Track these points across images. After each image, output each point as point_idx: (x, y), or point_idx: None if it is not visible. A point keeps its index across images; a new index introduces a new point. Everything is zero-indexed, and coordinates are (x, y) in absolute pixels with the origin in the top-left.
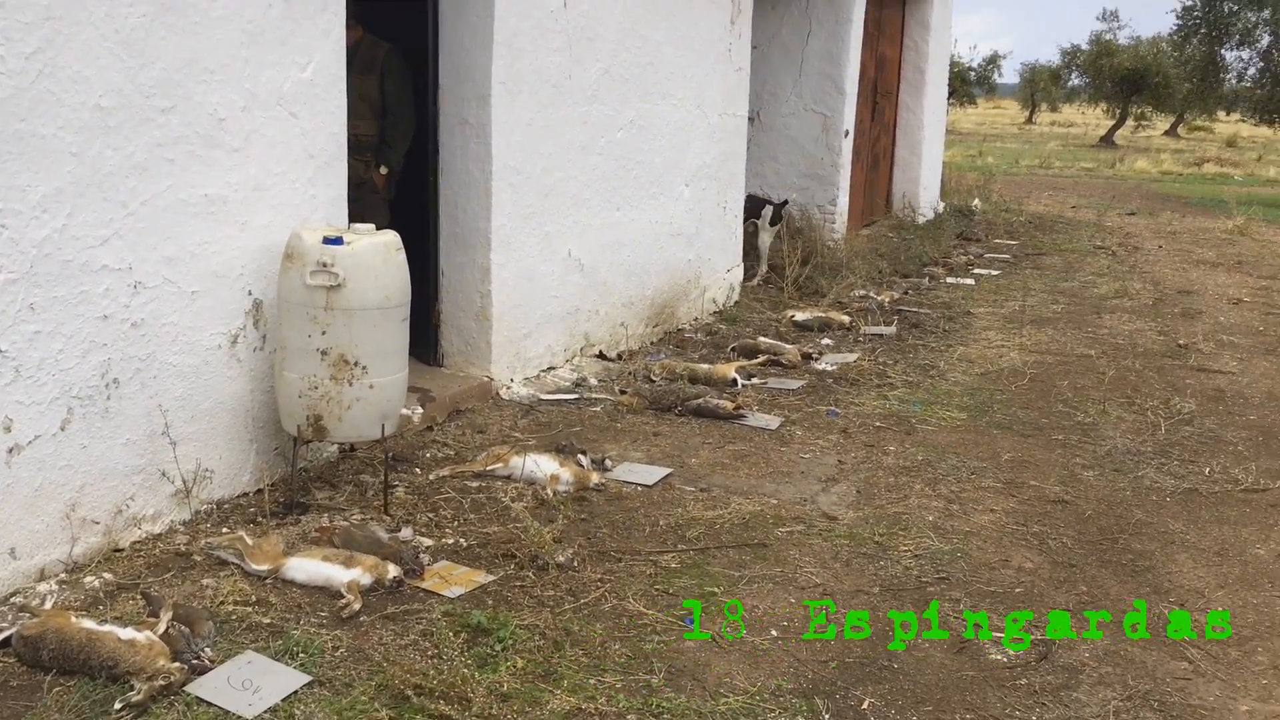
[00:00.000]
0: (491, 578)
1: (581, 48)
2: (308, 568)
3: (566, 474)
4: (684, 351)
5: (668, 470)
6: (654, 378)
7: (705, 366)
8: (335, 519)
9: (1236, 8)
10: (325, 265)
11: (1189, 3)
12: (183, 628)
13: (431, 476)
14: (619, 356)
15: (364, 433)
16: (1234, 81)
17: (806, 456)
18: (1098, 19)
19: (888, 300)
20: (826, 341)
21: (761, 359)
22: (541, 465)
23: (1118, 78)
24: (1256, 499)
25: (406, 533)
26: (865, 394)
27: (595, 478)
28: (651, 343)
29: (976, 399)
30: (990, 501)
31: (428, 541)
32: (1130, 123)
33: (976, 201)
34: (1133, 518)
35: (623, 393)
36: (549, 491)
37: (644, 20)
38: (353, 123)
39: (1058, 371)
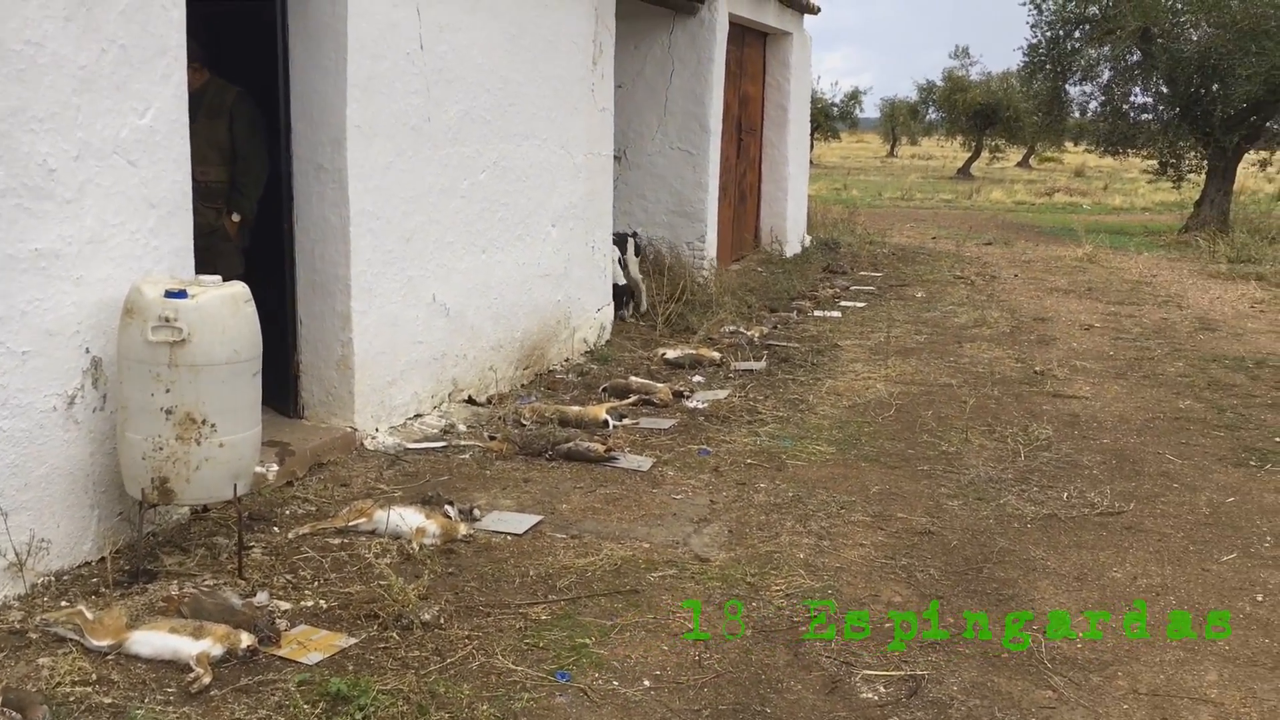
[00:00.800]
0: (353, 640)
1: (440, 90)
2: (153, 641)
3: (433, 526)
4: (555, 393)
5: (538, 518)
6: (524, 422)
7: (576, 408)
8: (185, 586)
9: (1079, 44)
10: (168, 320)
11: (1034, 40)
12: (14, 714)
13: (291, 535)
14: (489, 401)
15: (215, 493)
16: (1078, 115)
17: (678, 497)
18: (950, 55)
19: (757, 335)
20: (698, 379)
21: (633, 399)
22: (406, 518)
23: (971, 112)
24: (1112, 522)
25: (262, 597)
26: (736, 431)
27: (463, 529)
28: (522, 385)
29: (845, 432)
30: (860, 535)
31: (285, 605)
32: (985, 155)
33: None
34: (996, 546)
35: (492, 438)
36: (414, 545)
37: (505, 62)
38: (202, 169)
39: (922, 401)
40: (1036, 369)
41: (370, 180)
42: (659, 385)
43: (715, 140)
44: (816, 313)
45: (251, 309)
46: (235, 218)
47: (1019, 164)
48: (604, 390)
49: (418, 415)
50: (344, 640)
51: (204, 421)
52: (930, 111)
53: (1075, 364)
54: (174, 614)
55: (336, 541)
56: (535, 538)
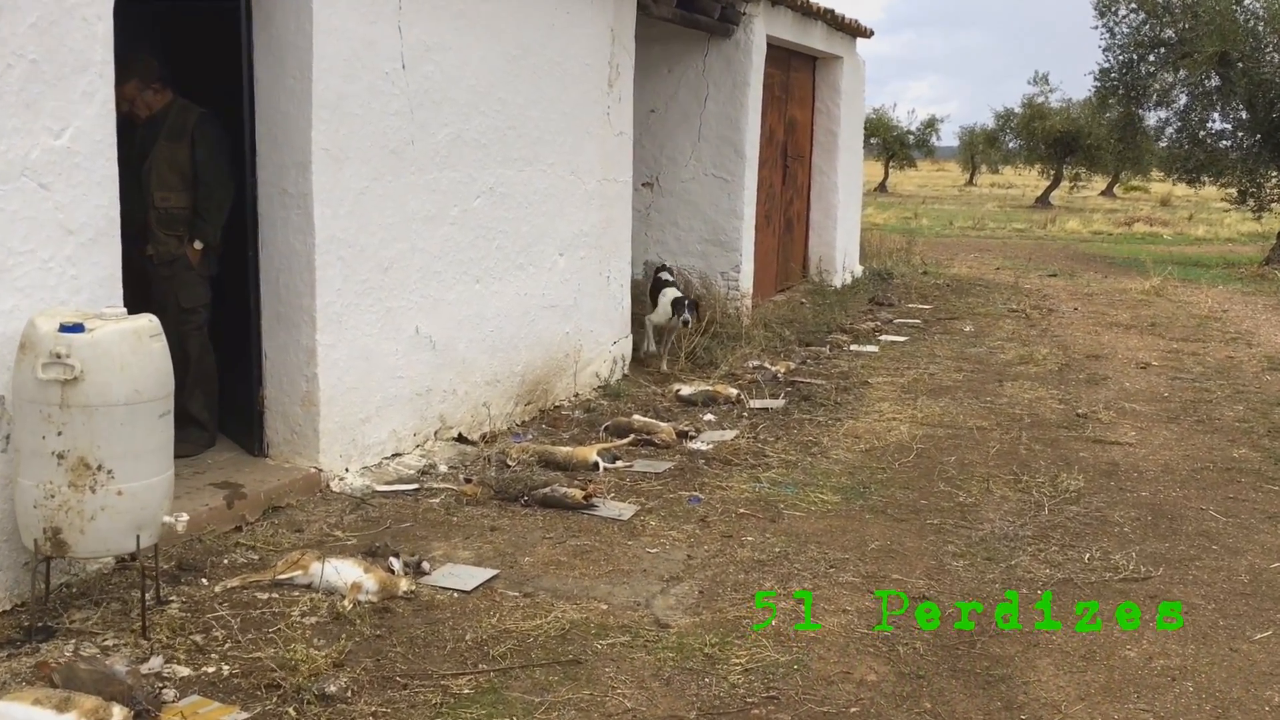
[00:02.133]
0: (245, 716)
1: (427, 112)
2: (13, 714)
3: (370, 581)
4: (557, 430)
5: (493, 572)
6: (511, 462)
7: (566, 449)
8: (82, 646)
9: (1154, 69)
10: (59, 356)
11: (1106, 64)
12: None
13: (218, 589)
14: (483, 439)
15: (114, 546)
16: (1155, 142)
17: (654, 551)
18: (1029, 82)
19: (783, 371)
20: (709, 417)
21: (629, 439)
22: (342, 572)
23: (1050, 140)
24: (1135, 589)
25: (155, 663)
26: (736, 476)
27: (404, 584)
28: (521, 423)
29: (855, 479)
30: (845, 600)
31: (185, 671)
32: (1066, 184)
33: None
34: (997, 615)
35: (467, 481)
36: (347, 603)
37: (503, 83)
38: (163, 194)
39: (947, 446)
40: (1079, 411)
41: (341, 206)
42: (662, 425)
43: (751, 167)
44: (853, 347)
45: (159, 344)
46: (197, 245)
47: (1102, 193)
48: (605, 429)
49: (396, 455)
50: (236, 715)
51: (99, 467)
52: (1009, 139)
53: (1124, 406)
54: (44, 683)
55: (265, 597)
56: (484, 595)
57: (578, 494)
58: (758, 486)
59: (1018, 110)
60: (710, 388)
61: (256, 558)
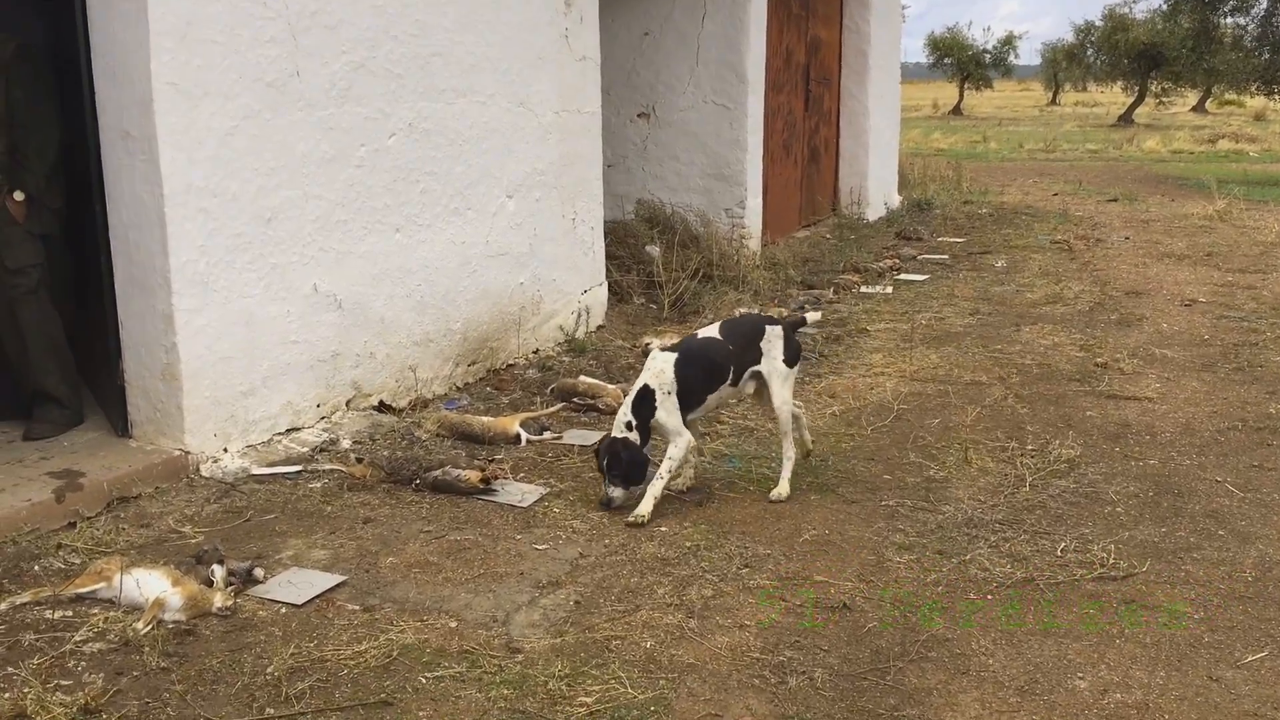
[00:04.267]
0: None
1: (316, 37)
2: None
3: (176, 597)
4: (500, 394)
5: (340, 579)
6: (424, 435)
7: (486, 420)
8: None
9: None
10: None
11: None
12: None
13: (4, 605)
14: (412, 406)
15: None
16: (1232, 51)
17: (542, 548)
18: None
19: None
20: None
21: (557, 408)
22: (145, 585)
23: (1133, 53)
24: (1110, 592)
25: None
26: None
27: (219, 600)
28: (461, 385)
29: (814, 449)
30: (748, 612)
31: None
32: (1153, 100)
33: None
34: (927, 631)
35: (358, 461)
36: (140, 625)
37: (422, 4)
38: None
39: (934, 406)
40: (1098, 360)
41: (199, 149)
42: (609, 388)
43: (755, 92)
44: (863, 288)
45: None
46: (18, 196)
47: (1193, 109)
48: (551, 391)
49: (293, 429)
50: None
51: None
52: (1090, 54)
53: (1153, 352)
54: None
55: (55, 616)
56: (318, 610)
57: (474, 476)
58: (697, 460)
59: (1098, 23)
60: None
61: (80, 561)
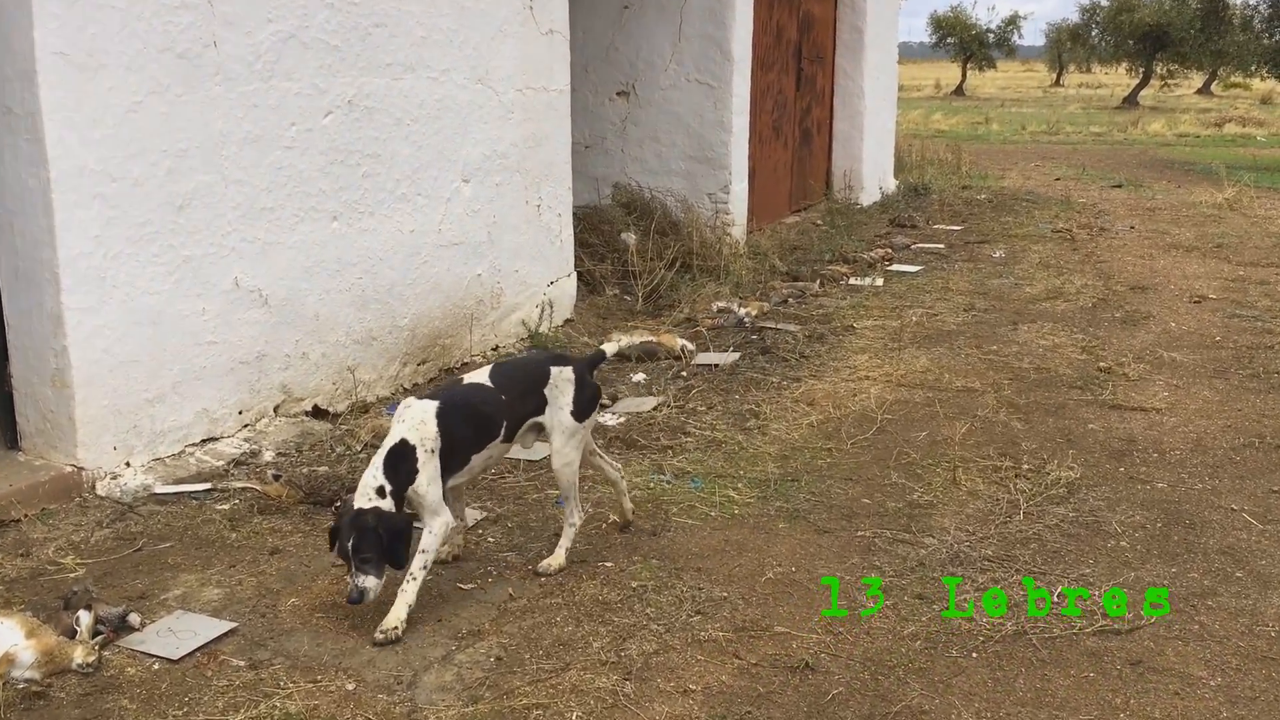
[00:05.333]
0: None
1: (235, 5)
2: None
3: (30, 651)
4: None
5: (230, 626)
6: (356, 446)
7: (612, 346)
8: None
9: None
10: None
11: None
12: None
13: None
14: (351, 410)
15: None
16: (1241, 32)
17: (468, 587)
18: None
19: (753, 313)
20: (638, 378)
21: None
22: None
23: (1139, 34)
24: (1113, 650)
25: None
26: (635, 464)
27: (80, 654)
28: (408, 386)
29: (787, 466)
30: (694, 673)
31: None
32: (1156, 82)
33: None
34: (900, 700)
35: (275, 478)
36: None
37: None
38: None
39: (920, 417)
40: (1102, 364)
41: (94, 128)
42: None
43: (741, 70)
44: (852, 280)
45: None
46: None
47: (1198, 91)
48: None
49: (209, 440)
50: None
51: None
52: (1095, 35)
53: (1160, 355)
54: None
55: None
56: (196, 666)
57: None
58: (656, 479)
59: (1104, 3)
60: (654, 337)
61: None
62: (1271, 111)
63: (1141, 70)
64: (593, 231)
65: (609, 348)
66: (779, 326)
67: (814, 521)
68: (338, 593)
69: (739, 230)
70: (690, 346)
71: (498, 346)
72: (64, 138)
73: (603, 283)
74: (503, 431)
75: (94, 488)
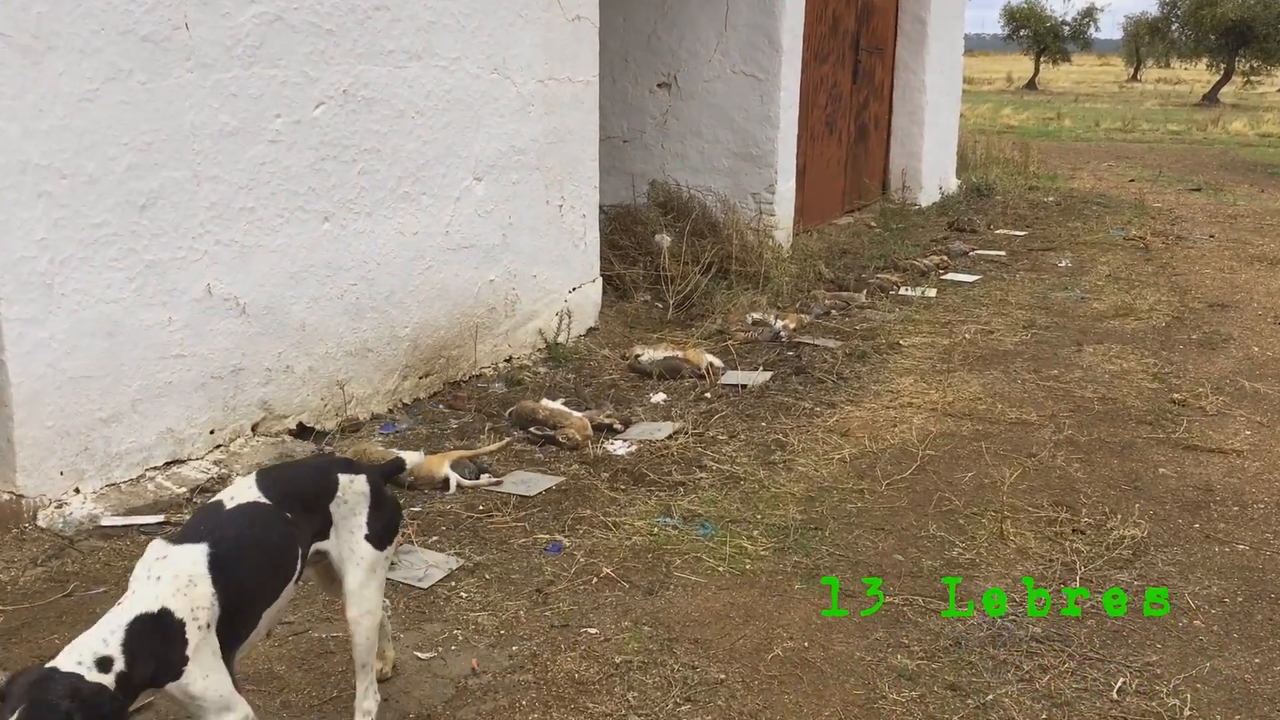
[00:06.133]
0: None
1: None
2: None
3: None
4: (453, 414)
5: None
6: None
7: (414, 456)
8: None
9: None
10: None
11: None
12: None
13: None
14: (341, 429)
15: None
16: None
17: (426, 656)
18: None
19: (791, 326)
20: (659, 398)
21: (504, 443)
22: None
23: (1220, 29)
24: None
25: None
26: (640, 502)
27: None
28: (408, 402)
29: (811, 511)
30: None
31: None
32: (1240, 79)
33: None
34: None
35: None
36: None
37: None
38: None
39: (968, 454)
40: (1175, 396)
41: (40, 118)
42: (575, 415)
43: (791, 60)
44: (903, 290)
45: None
46: None
47: None
48: (509, 415)
49: (174, 463)
50: None
51: None
52: (1175, 29)
53: (1242, 386)
54: None
55: None
56: None
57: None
58: (661, 523)
59: None
60: (680, 352)
61: None
62: None
63: (1223, 66)
64: (625, 233)
65: (410, 458)
66: (817, 342)
67: (839, 580)
68: (281, 657)
69: (783, 233)
70: (718, 364)
71: (511, 358)
72: (3, 129)
73: (633, 288)
74: (299, 565)
75: (34, 518)
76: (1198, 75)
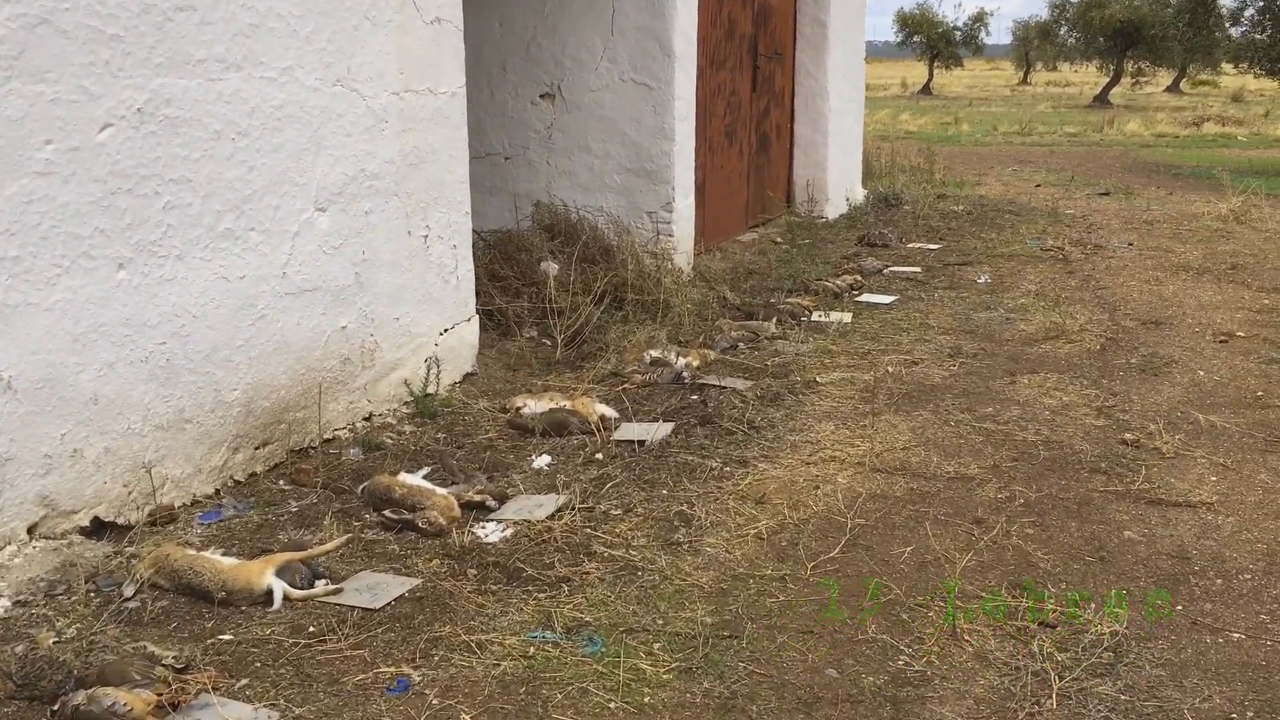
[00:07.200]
0: None
1: None
2: None
3: None
4: (295, 491)
5: None
6: (128, 592)
7: (226, 564)
8: None
9: None
10: None
11: None
12: None
13: None
14: (153, 520)
15: None
16: (1228, 27)
17: None
18: None
19: (695, 364)
20: (542, 461)
21: (343, 539)
22: None
23: (1109, 31)
24: None
25: None
26: (515, 609)
27: None
28: (239, 479)
29: (723, 610)
30: None
31: None
32: (1127, 80)
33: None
34: None
35: None
36: None
37: None
38: None
39: (904, 520)
40: (1126, 436)
41: None
42: (438, 493)
43: (685, 68)
44: (816, 315)
45: None
46: None
47: (1168, 89)
48: (361, 493)
49: None
50: None
51: None
52: (1064, 32)
53: (1196, 419)
54: None
55: None
56: None
57: (141, 704)
58: (539, 638)
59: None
60: (567, 402)
61: None
62: (1246, 110)
63: (1113, 68)
64: (507, 261)
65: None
66: (724, 383)
67: (752, 714)
68: None
69: (684, 256)
70: (611, 415)
71: (371, 415)
72: None
73: (517, 324)
74: None
75: None
76: (1085, 77)
